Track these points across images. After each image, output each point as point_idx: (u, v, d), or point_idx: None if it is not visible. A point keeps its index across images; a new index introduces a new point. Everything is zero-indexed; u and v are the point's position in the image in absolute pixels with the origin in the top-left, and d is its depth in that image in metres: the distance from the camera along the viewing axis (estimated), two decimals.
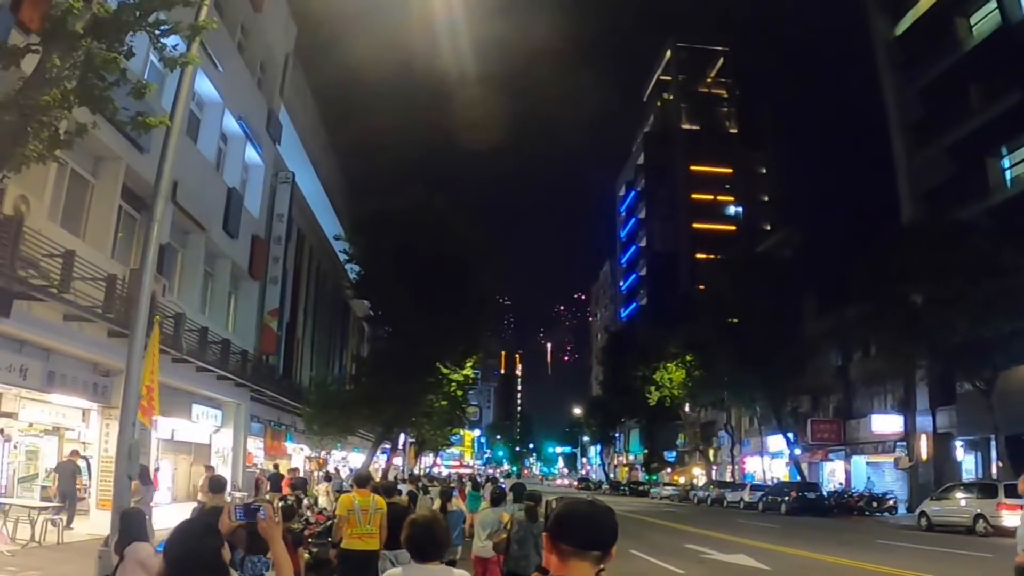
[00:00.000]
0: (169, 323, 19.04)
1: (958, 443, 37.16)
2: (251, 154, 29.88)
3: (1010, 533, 24.08)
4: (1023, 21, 34.98)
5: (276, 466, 29.63)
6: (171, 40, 10.06)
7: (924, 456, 39.07)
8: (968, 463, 36.88)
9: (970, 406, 33.65)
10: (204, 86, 23.81)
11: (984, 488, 27.16)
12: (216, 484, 9.26)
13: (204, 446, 25.60)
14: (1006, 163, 37.00)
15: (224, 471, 23.18)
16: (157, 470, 20.32)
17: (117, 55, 9.35)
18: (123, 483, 9.90)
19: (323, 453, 36.82)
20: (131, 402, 10.22)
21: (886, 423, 42.76)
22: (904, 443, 41.08)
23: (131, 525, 5.76)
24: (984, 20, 38.07)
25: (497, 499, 11.27)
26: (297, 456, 36.58)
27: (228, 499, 11.64)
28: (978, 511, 25.72)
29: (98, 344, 16.76)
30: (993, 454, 32.64)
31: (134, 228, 20.44)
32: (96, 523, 16.31)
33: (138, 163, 18.70)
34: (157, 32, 9.62)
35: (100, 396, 17.60)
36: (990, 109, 36.04)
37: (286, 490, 21.20)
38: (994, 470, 32.39)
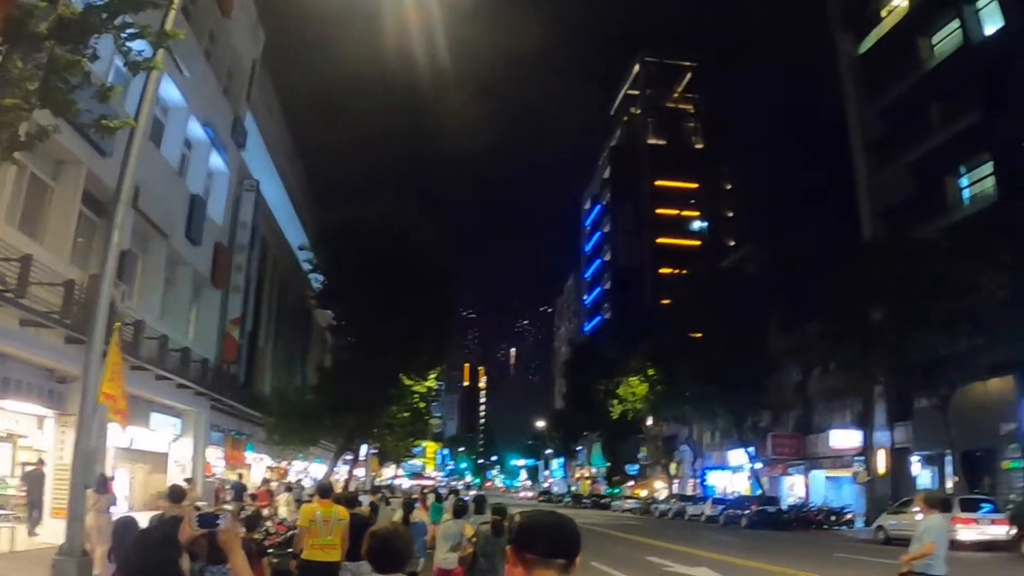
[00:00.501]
0: (128, 330, 18.78)
1: (914, 458, 37.65)
2: (215, 161, 29.63)
3: (966, 547, 24.55)
4: (984, 41, 35.61)
5: (240, 476, 29.37)
6: (137, 44, 9.94)
7: (881, 471, 39.56)
8: (924, 478, 37.36)
9: (926, 422, 34.14)
10: (169, 91, 23.57)
11: (939, 503, 27.53)
12: (175, 493, 9.14)
13: (162, 455, 25.25)
14: (964, 182, 37.58)
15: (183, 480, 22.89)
16: (112, 478, 20.00)
17: (81, 58, 9.22)
18: (79, 491, 9.74)
19: (284, 463, 36.48)
20: (88, 409, 10.06)
21: (844, 438, 43.23)
22: (862, 458, 41.56)
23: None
24: (946, 39, 38.58)
25: (459, 511, 11.24)
26: (257, 466, 36.21)
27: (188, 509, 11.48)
28: None
29: (55, 350, 16.50)
30: (948, 469, 33.13)
31: (94, 233, 20.17)
32: (51, 531, 15.99)
33: (99, 167, 18.46)
34: (123, 35, 9.50)
35: (56, 403, 17.31)
36: (950, 128, 36.54)
37: (264, 500, 21.05)
38: (949, 485, 32.86)
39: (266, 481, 26.74)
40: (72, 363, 15.81)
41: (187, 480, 21.24)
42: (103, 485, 13.76)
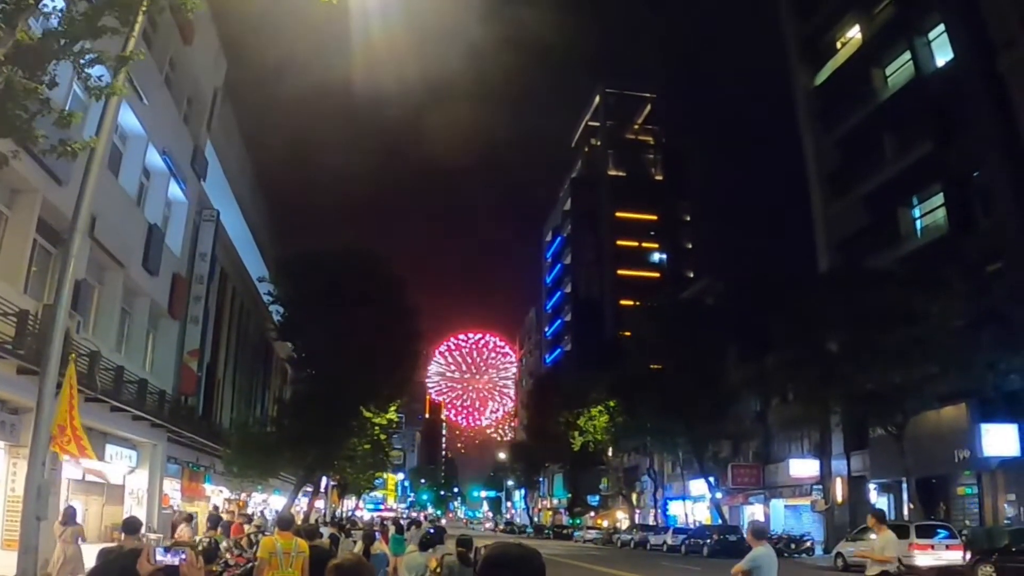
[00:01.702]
0: (83, 361, 18.47)
1: (871, 486, 38.05)
2: (174, 190, 29.33)
3: (922, 572, 24.82)
4: (935, 72, 36.46)
5: (216, 508, 29.17)
6: (96, 70, 9.87)
7: (839, 499, 39.91)
8: (881, 505, 37.72)
9: (882, 450, 34.54)
10: (128, 119, 23.35)
11: (896, 529, 27.83)
12: (131, 525, 8.95)
13: (118, 487, 24.74)
14: (917, 212, 38.29)
15: (139, 512, 22.44)
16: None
17: (39, 85, 9.14)
18: (31, 523, 9.53)
19: (243, 495, 35.98)
20: (40, 441, 9.88)
21: (803, 467, 43.61)
22: (820, 486, 41.92)
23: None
24: (899, 71, 39.41)
25: (426, 544, 11.19)
26: (216, 498, 35.68)
27: (144, 541, 11.29)
28: None
29: (7, 381, 16.13)
30: (905, 496, 33.48)
31: (49, 263, 19.84)
32: (2, 564, 15.57)
33: (55, 196, 18.20)
34: (82, 61, 9.43)
35: (8, 434, 16.90)
36: (902, 159, 37.29)
37: (238, 532, 20.80)
38: (906, 512, 33.23)
39: (243, 515, 26.74)
40: (25, 394, 15.48)
41: (188, 517, 21.07)
42: (71, 517, 13.69)
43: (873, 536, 11.59)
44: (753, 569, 8.52)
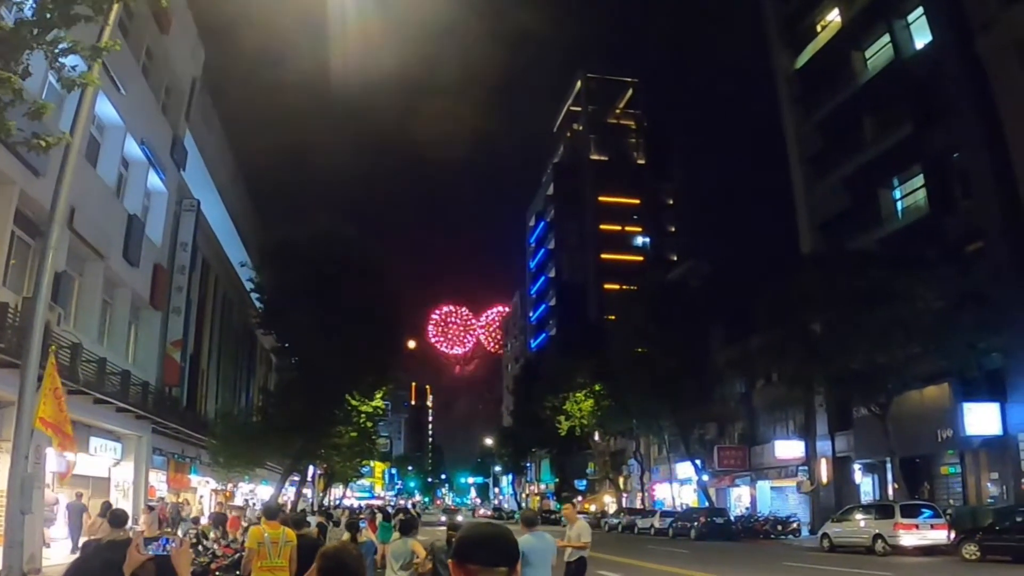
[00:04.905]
0: (65, 354, 18.33)
1: (856, 466, 38.32)
2: (154, 180, 29.12)
3: (908, 551, 25.07)
4: (914, 55, 36.56)
5: (220, 505, 29.46)
6: (71, 60, 9.72)
7: (825, 479, 40.19)
8: (866, 485, 38.05)
9: (866, 430, 34.74)
10: (105, 109, 23.13)
11: (882, 509, 28.17)
12: (116, 518, 8.88)
13: (103, 480, 24.65)
14: (897, 194, 38.44)
15: (124, 505, 22.36)
16: (56, 503, 19.68)
17: (12, 75, 8.98)
18: (15, 518, 9.46)
19: (230, 486, 35.94)
20: (23, 435, 9.81)
21: (788, 448, 43.87)
22: (806, 467, 42.19)
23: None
24: (878, 54, 39.48)
25: (406, 528, 11.15)
26: (203, 488, 35.65)
27: (131, 533, 11.23)
28: (877, 531, 26.63)
29: None
30: (889, 476, 33.74)
31: (28, 255, 19.67)
32: None
33: (33, 187, 18.02)
34: (56, 51, 9.28)
35: None
36: (882, 141, 37.42)
37: (235, 525, 20.84)
38: (890, 491, 33.51)
39: (240, 508, 27.07)
40: (6, 388, 15.36)
41: (149, 508, 21.00)
42: (108, 511, 13.89)
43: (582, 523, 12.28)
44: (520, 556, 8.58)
